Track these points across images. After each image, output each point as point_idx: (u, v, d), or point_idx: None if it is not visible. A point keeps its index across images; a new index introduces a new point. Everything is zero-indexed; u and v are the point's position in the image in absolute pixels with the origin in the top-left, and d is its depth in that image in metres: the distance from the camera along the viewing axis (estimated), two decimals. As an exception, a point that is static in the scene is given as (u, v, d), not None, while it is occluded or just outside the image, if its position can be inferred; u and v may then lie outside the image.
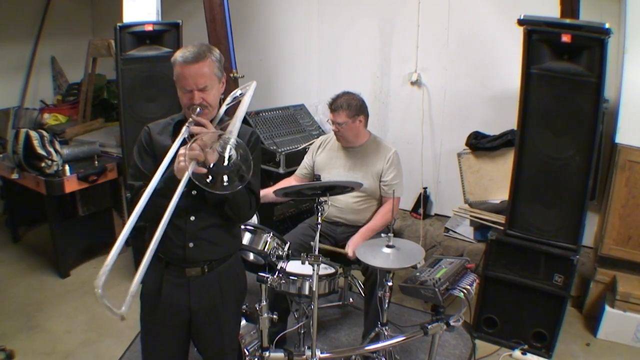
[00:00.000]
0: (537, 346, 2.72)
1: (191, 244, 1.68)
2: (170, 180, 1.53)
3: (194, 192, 1.65)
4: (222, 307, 1.78)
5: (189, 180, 1.50)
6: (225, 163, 1.52)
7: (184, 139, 1.58)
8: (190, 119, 1.60)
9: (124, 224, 3.55)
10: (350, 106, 2.69)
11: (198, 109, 1.62)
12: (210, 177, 1.52)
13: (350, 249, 2.59)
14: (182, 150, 1.53)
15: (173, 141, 1.60)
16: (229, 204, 1.65)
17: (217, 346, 1.84)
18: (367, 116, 2.80)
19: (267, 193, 2.46)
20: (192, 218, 1.68)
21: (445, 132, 3.67)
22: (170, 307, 1.73)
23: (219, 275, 1.76)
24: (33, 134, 3.27)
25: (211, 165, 1.51)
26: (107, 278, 1.39)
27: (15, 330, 2.87)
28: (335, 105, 2.71)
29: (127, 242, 3.81)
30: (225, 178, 1.52)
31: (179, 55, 1.63)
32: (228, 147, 1.51)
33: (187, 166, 1.48)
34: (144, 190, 1.51)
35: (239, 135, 1.61)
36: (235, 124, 1.63)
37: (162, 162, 1.55)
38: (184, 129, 1.61)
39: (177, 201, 1.49)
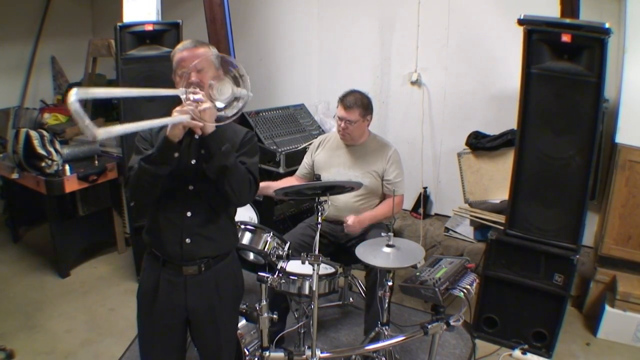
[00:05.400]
0: (537, 346, 2.72)
1: (188, 240, 1.69)
2: (164, 149, 1.54)
3: (192, 162, 1.67)
4: (219, 305, 1.78)
5: (189, 149, 1.55)
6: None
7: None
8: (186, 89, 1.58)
9: (124, 223, 3.61)
10: (362, 105, 2.71)
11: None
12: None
13: (350, 219, 2.60)
14: (177, 108, 1.53)
15: None
16: (228, 180, 1.62)
17: (214, 345, 1.84)
18: (372, 115, 2.83)
19: (269, 185, 2.45)
20: (189, 214, 1.69)
21: (445, 132, 3.67)
22: (167, 306, 1.74)
23: (215, 273, 1.76)
24: (33, 133, 3.27)
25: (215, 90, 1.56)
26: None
27: (15, 330, 2.87)
28: (348, 102, 2.70)
29: (128, 242, 3.84)
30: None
31: (178, 45, 1.70)
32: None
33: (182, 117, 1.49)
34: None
35: (233, 134, 1.70)
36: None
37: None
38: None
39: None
